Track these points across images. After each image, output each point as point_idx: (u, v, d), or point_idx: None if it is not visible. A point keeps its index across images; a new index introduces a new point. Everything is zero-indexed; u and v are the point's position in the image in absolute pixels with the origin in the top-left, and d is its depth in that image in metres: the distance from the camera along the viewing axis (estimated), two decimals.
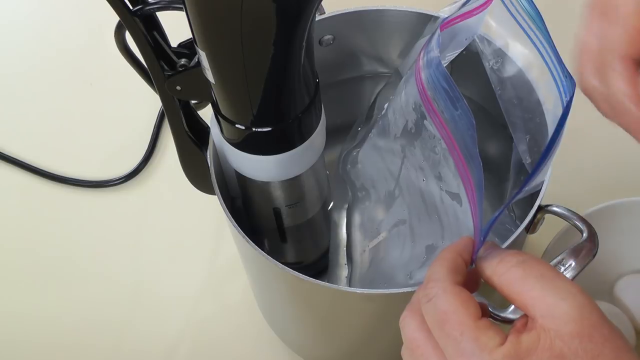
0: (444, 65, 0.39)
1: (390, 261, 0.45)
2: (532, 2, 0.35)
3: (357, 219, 0.50)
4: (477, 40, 0.43)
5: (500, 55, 0.43)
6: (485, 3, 0.40)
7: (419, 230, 0.43)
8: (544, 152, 0.37)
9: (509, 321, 0.31)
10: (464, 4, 0.40)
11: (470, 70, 0.46)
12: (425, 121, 0.39)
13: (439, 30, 0.38)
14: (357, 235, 0.50)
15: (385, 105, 0.45)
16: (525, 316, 0.30)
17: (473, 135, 0.34)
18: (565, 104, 0.38)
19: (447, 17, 0.41)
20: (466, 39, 0.43)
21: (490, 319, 0.30)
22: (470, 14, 0.41)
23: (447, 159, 0.37)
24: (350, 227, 0.52)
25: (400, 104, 0.42)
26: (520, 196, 0.37)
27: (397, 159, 0.43)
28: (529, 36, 0.37)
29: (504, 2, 0.37)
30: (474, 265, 0.33)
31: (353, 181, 0.50)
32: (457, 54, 0.44)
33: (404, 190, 0.43)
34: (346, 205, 0.53)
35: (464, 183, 0.36)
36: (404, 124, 0.41)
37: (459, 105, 0.34)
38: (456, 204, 0.38)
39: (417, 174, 0.41)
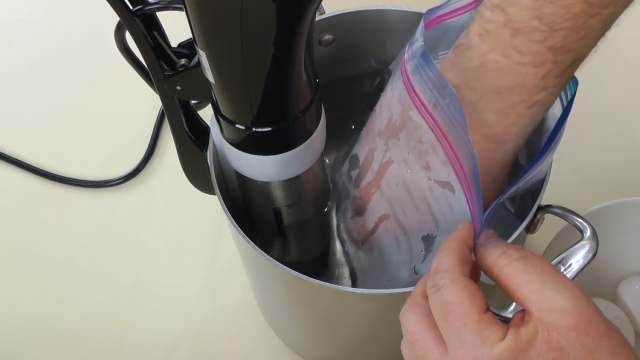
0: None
1: (389, 257, 0.45)
2: None
3: (343, 218, 0.50)
4: None
5: None
6: (475, 0, 0.40)
7: (409, 223, 0.42)
8: (545, 145, 0.37)
9: (509, 320, 0.31)
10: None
11: None
12: (410, 112, 0.38)
13: (422, 22, 0.38)
14: (347, 235, 0.50)
15: (377, 103, 0.45)
16: (522, 311, 0.30)
17: (463, 122, 0.34)
18: (566, 103, 0.38)
19: (433, 10, 0.40)
20: (458, 37, 0.43)
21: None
22: (460, 10, 0.41)
23: (435, 148, 0.37)
24: (340, 227, 0.52)
25: (387, 98, 0.42)
26: (519, 185, 0.37)
27: (379, 153, 0.43)
28: None
29: None
30: (473, 257, 0.33)
31: (337, 181, 0.50)
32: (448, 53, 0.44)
33: (382, 185, 0.43)
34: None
35: (455, 171, 0.36)
36: (388, 117, 0.41)
37: (447, 93, 0.34)
38: (448, 192, 0.38)
39: (401, 166, 0.41)
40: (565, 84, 0.35)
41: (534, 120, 0.36)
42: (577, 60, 0.34)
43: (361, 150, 0.45)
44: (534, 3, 0.33)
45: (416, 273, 0.43)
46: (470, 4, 0.40)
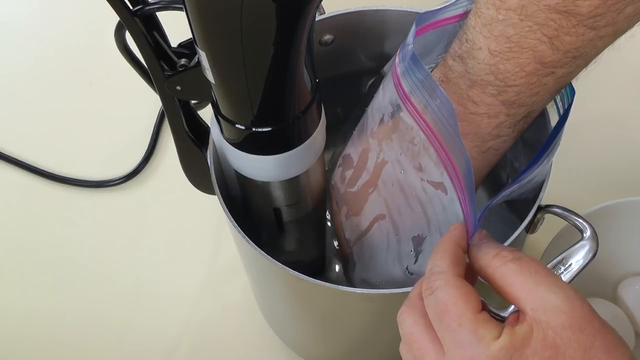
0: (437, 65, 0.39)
1: (380, 257, 0.45)
2: None
3: (335, 218, 0.50)
4: None
5: None
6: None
7: (402, 223, 0.43)
8: (539, 152, 0.37)
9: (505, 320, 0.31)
10: (453, 3, 0.40)
11: None
12: (401, 114, 0.39)
13: (414, 26, 0.39)
14: (340, 234, 0.50)
15: (369, 104, 0.45)
16: (517, 311, 0.30)
17: (454, 124, 0.34)
18: (563, 111, 0.38)
19: (427, 14, 0.40)
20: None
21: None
22: (457, 18, 0.41)
23: (427, 149, 0.38)
24: (333, 226, 0.52)
25: (378, 99, 0.42)
26: (513, 189, 0.37)
27: (373, 154, 0.43)
28: None
29: None
30: (467, 259, 0.33)
31: (329, 181, 0.51)
32: None
33: (379, 185, 0.43)
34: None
35: (447, 171, 0.37)
36: (380, 118, 0.41)
37: (437, 95, 0.34)
38: (441, 193, 0.38)
39: (395, 167, 0.41)
40: (521, 132, 0.37)
41: (488, 163, 0.38)
42: (532, 112, 0.36)
43: (354, 150, 0.45)
44: (490, 59, 0.34)
45: (411, 274, 0.43)
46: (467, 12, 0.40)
